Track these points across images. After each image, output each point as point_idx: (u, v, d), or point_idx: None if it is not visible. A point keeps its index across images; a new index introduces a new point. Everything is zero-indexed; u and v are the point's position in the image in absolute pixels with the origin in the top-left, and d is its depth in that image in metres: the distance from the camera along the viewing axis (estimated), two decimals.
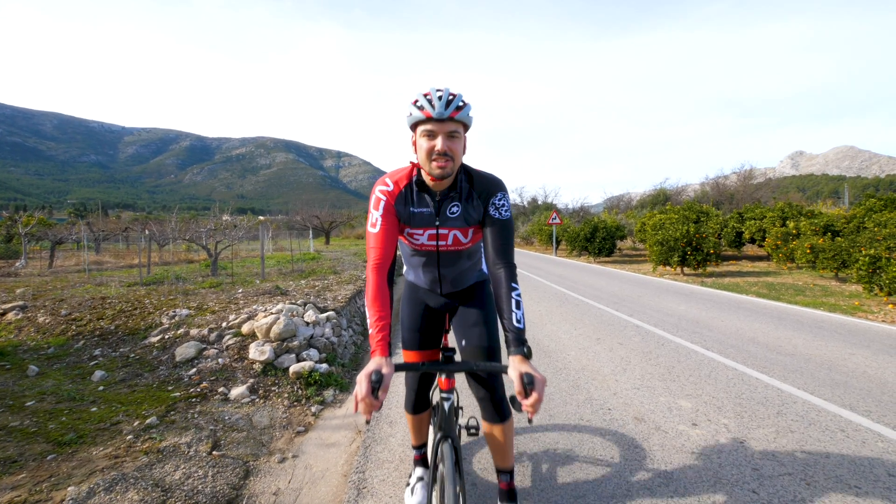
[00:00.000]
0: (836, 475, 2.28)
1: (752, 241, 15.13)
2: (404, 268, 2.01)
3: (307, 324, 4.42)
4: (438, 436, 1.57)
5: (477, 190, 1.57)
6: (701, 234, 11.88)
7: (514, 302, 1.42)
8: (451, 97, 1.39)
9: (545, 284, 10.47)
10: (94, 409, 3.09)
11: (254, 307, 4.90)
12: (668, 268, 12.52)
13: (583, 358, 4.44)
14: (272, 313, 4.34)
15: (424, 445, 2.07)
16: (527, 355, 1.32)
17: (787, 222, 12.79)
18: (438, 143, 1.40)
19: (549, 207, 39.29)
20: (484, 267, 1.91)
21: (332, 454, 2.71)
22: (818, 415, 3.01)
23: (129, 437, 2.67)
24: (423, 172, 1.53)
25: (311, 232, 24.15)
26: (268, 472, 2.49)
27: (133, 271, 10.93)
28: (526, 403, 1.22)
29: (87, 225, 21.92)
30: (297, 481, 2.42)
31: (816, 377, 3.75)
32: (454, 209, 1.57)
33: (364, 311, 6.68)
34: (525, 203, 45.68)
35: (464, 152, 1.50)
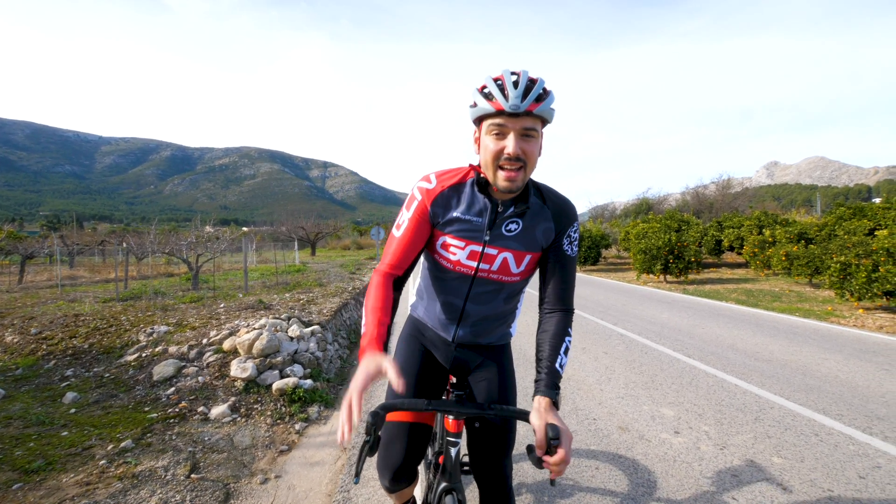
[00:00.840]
0: (810, 479, 2.34)
1: (731, 248, 15.59)
2: (412, 300, 1.61)
3: (291, 339, 4.36)
4: (442, 486, 1.30)
5: (552, 211, 1.26)
6: (682, 242, 12.18)
7: (564, 347, 1.20)
8: (529, 83, 1.08)
9: (531, 294, 10.54)
10: (64, 433, 2.97)
11: (236, 322, 4.80)
12: (651, 276, 12.77)
13: (568, 368, 4.48)
14: (255, 329, 4.27)
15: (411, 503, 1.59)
16: (556, 403, 1.09)
17: (764, 230, 13.24)
18: (510, 143, 1.09)
19: None
20: (513, 328, 1.53)
21: (316, 473, 2.66)
22: (793, 420, 3.10)
23: (103, 462, 2.57)
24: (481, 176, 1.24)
25: (296, 243, 23.89)
26: (249, 494, 2.43)
27: (109, 286, 10.61)
28: (550, 462, 0.97)
29: (61, 238, 21.23)
30: (280, 503, 2.37)
31: (792, 382, 3.87)
32: (513, 226, 1.24)
33: (350, 323, 6.61)
34: None
35: (539, 154, 1.16)
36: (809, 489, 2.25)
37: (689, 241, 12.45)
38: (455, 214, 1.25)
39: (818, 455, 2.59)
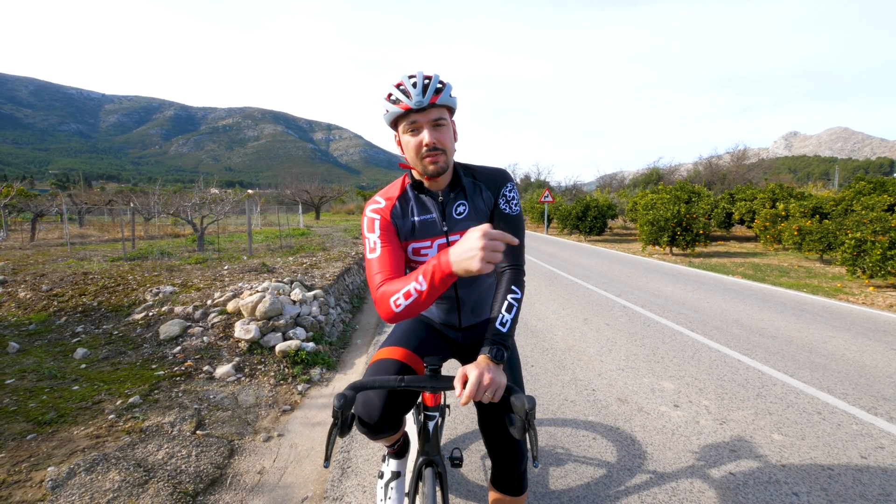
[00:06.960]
0: (810, 457, 2.34)
1: (742, 221, 15.26)
2: None
3: (294, 302, 4.37)
4: (420, 459, 1.35)
5: (483, 182, 1.41)
6: (691, 214, 11.91)
7: (506, 304, 1.23)
8: (426, 80, 1.22)
9: (535, 263, 10.49)
10: (75, 387, 3.05)
11: (239, 285, 4.82)
12: (657, 248, 12.62)
13: (570, 338, 4.48)
14: (258, 291, 4.28)
15: (401, 443, 1.69)
16: (495, 358, 1.13)
17: (777, 204, 12.87)
18: (425, 135, 1.24)
19: (542, 185, 39.13)
20: None
21: (317, 433, 2.72)
22: (796, 397, 3.08)
23: (112, 416, 2.64)
24: (415, 174, 1.37)
25: (300, 207, 23.80)
26: (253, 451, 2.49)
27: (117, 245, 10.71)
28: (461, 393, 1.07)
29: (70, 197, 21.30)
30: (282, 460, 2.43)
31: (797, 360, 3.83)
32: (461, 209, 1.39)
33: (352, 288, 6.65)
34: (518, 180, 45.50)
35: (455, 139, 1.34)
36: (809, 467, 2.24)
37: (698, 214, 12.17)
38: (412, 219, 1.39)
39: (820, 433, 2.58)
